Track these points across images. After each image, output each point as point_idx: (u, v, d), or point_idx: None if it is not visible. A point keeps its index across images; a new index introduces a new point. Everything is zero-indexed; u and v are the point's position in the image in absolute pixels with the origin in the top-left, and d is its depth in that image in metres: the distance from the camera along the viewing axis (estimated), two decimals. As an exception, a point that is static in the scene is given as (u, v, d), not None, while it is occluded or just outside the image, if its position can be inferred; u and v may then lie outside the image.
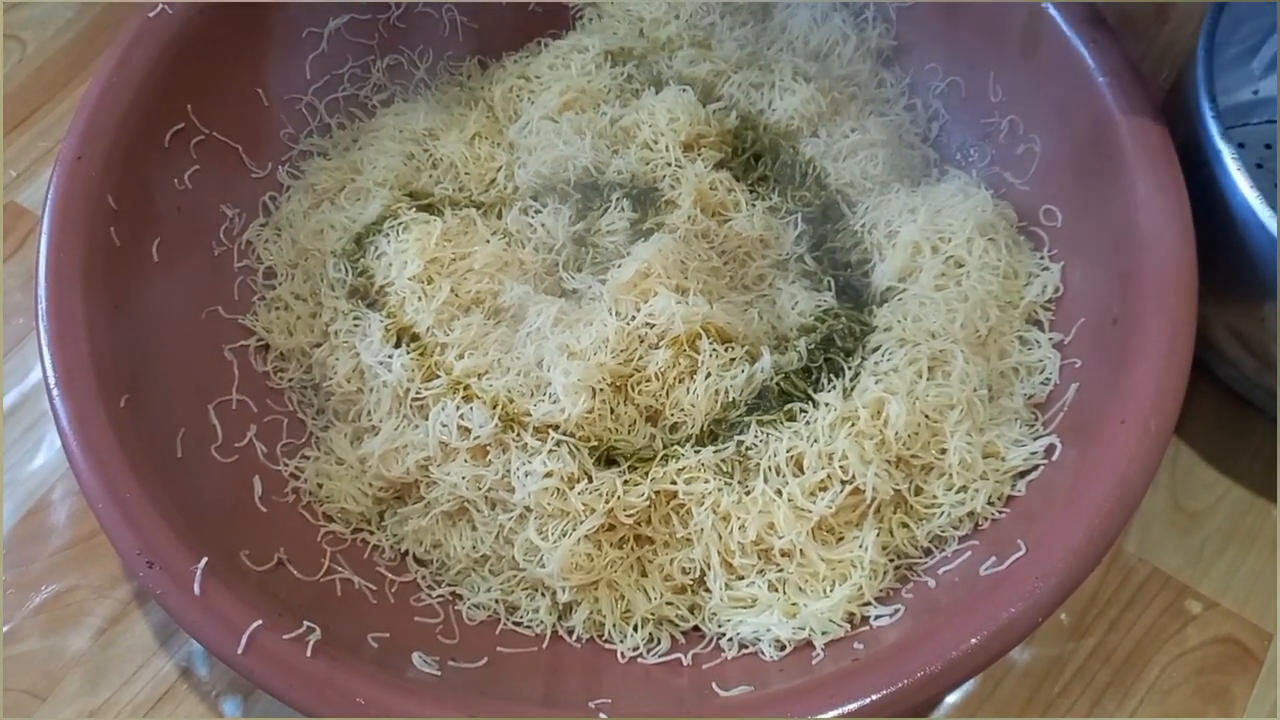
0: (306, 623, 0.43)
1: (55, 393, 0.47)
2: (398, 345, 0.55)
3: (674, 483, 0.51)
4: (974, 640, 0.42)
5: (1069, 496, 0.46)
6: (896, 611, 0.48)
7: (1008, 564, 0.45)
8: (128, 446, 0.47)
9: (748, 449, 0.52)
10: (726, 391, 0.53)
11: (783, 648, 0.48)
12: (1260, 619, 0.56)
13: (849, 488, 0.50)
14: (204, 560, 0.44)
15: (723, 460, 0.51)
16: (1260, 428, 0.61)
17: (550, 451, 0.51)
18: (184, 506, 0.47)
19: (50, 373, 0.48)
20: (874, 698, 0.41)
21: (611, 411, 0.53)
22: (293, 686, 0.41)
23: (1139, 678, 0.55)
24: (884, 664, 0.42)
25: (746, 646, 0.49)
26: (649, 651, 0.50)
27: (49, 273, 0.50)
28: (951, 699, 0.55)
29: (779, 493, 0.50)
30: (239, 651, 0.42)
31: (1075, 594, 0.56)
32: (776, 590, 0.50)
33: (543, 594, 0.52)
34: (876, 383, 0.52)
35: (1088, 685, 0.55)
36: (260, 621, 0.42)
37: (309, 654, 0.42)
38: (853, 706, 0.41)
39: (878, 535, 0.50)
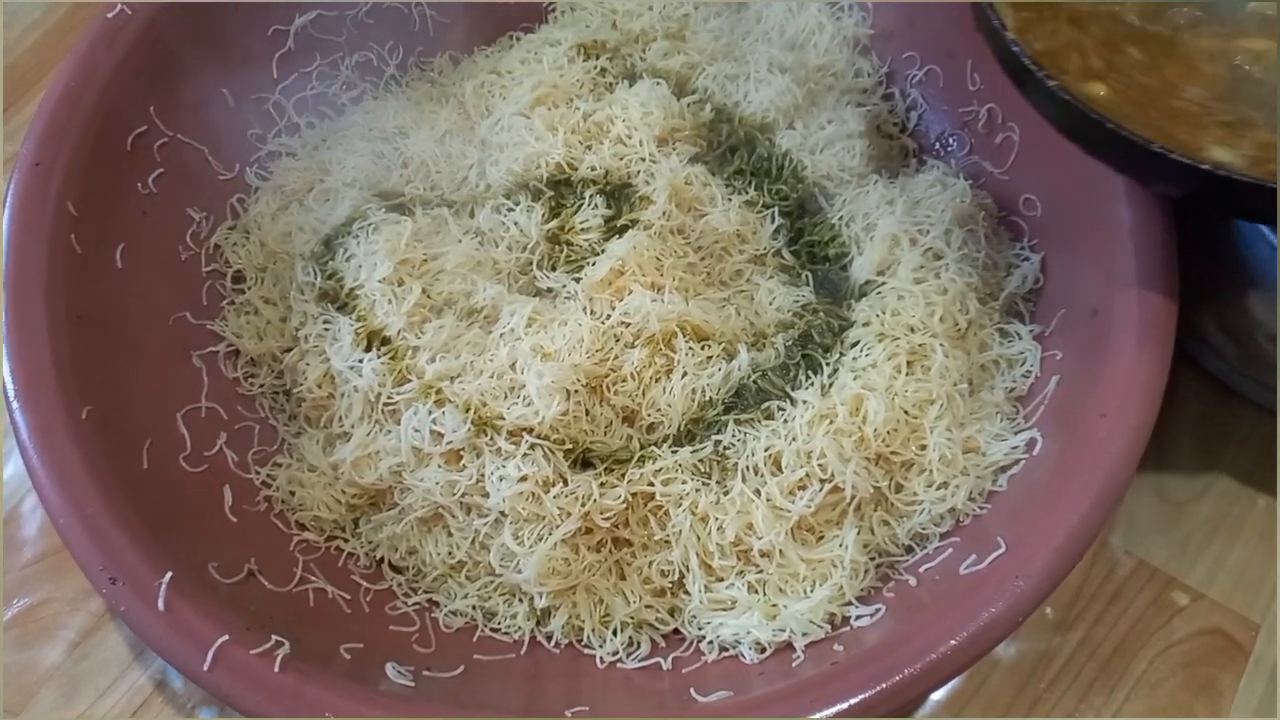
0: (275, 636, 0.43)
1: (15, 405, 0.46)
2: (368, 349, 0.54)
3: (651, 484, 0.50)
4: (953, 642, 0.41)
5: (1050, 492, 0.45)
6: (878, 611, 0.47)
7: (988, 562, 0.44)
8: (90, 459, 0.46)
9: (725, 449, 0.51)
10: (703, 390, 0.52)
11: (763, 650, 0.48)
12: (1248, 610, 0.56)
13: (828, 486, 0.49)
14: (168, 575, 0.43)
15: (700, 460, 0.51)
16: (1246, 417, 0.60)
17: (524, 455, 0.50)
18: (150, 519, 0.46)
19: (10, 384, 0.47)
20: (852, 702, 0.40)
21: (587, 413, 0.52)
22: (260, 702, 0.41)
23: (1126, 671, 0.54)
24: (863, 667, 0.42)
25: (727, 649, 0.49)
26: (629, 656, 0.49)
27: (8, 282, 0.49)
28: (937, 696, 0.54)
29: (757, 492, 0.49)
30: (205, 668, 0.41)
31: (1061, 587, 0.55)
32: (756, 592, 0.49)
33: (520, 599, 0.51)
34: (855, 379, 0.51)
35: (1074, 679, 0.54)
36: (226, 636, 0.42)
37: (277, 668, 0.41)
38: (830, 711, 0.40)
39: (858, 534, 0.49)
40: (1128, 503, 0.58)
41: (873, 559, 0.50)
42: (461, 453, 0.51)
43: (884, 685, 0.41)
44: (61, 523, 0.44)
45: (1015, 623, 0.42)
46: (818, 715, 0.40)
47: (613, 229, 0.58)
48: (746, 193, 0.60)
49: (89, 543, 0.44)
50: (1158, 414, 0.46)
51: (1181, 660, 0.55)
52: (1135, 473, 0.58)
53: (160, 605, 0.42)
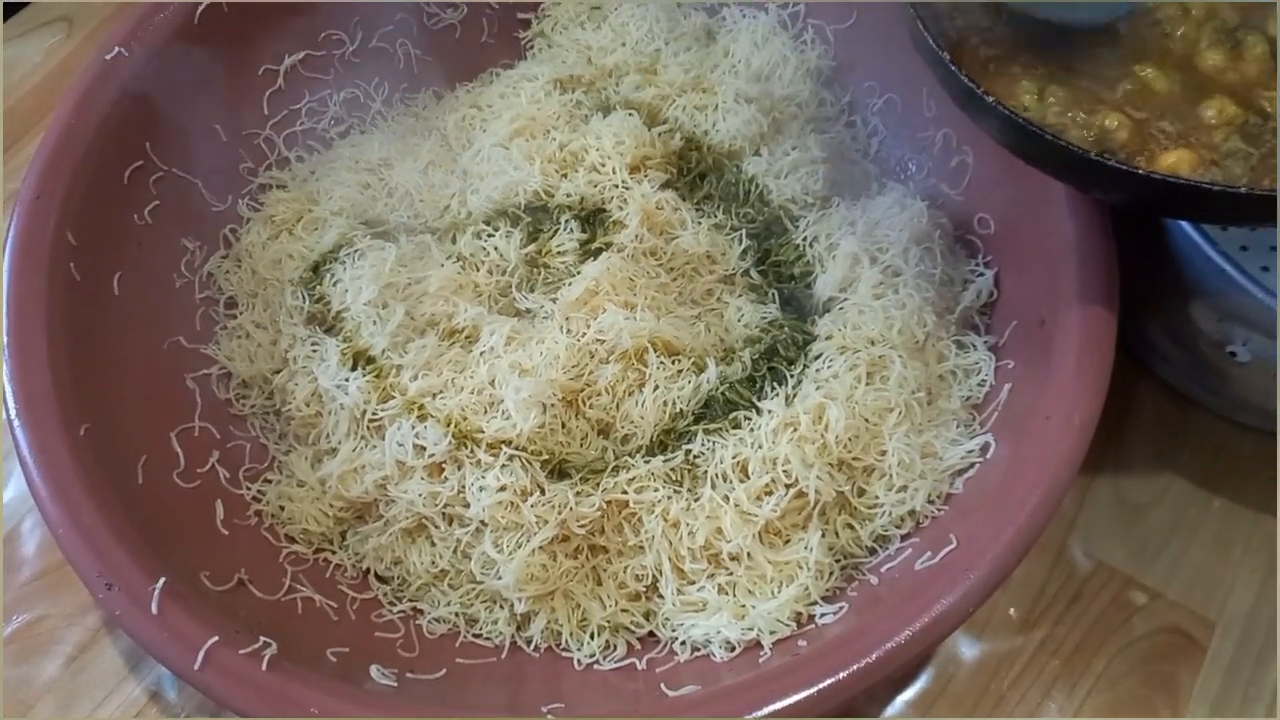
0: (263, 638, 0.45)
1: (16, 423, 0.49)
2: (354, 368, 0.56)
3: (625, 492, 0.52)
4: (908, 632, 0.43)
5: (999, 491, 0.48)
6: (841, 609, 0.49)
7: (940, 557, 0.46)
8: (88, 473, 0.48)
9: (695, 457, 0.53)
10: (674, 402, 0.55)
11: (732, 649, 0.49)
12: (1204, 608, 0.58)
13: (793, 491, 0.51)
14: (161, 581, 0.45)
15: (672, 469, 0.53)
16: (1199, 422, 0.63)
17: (503, 466, 0.52)
18: (144, 530, 0.48)
19: (11, 403, 0.49)
20: (812, 691, 0.42)
21: (563, 425, 0.55)
22: (248, 699, 0.43)
23: (1087, 668, 0.56)
24: (823, 658, 0.44)
25: (698, 649, 0.51)
26: (605, 658, 0.51)
27: (10, 308, 0.52)
28: (905, 695, 0.56)
29: (726, 498, 0.52)
30: (195, 667, 0.43)
31: (1023, 588, 0.58)
32: (726, 593, 0.51)
33: (501, 606, 0.53)
34: (817, 389, 0.53)
35: (1038, 677, 0.56)
36: (216, 638, 0.44)
37: (264, 668, 0.43)
38: (792, 700, 0.42)
39: (823, 537, 0.52)
40: (1087, 506, 0.61)
41: (837, 560, 0.52)
42: (443, 465, 0.53)
43: (843, 674, 0.43)
44: (60, 533, 0.46)
45: (966, 613, 0.44)
46: (780, 704, 0.42)
47: (588, 252, 0.61)
48: (715, 216, 0.63)
49: (86, 551, 0.46)
50: (1100, 414, 0.48)
51: (1141, 657, 0.57)
52: (1093, 476, 0.61)
53: (154, 609, 0.44)
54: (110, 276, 0.57)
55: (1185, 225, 0.53)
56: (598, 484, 0.53)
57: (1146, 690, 0.56)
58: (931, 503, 0.52)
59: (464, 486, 0.53)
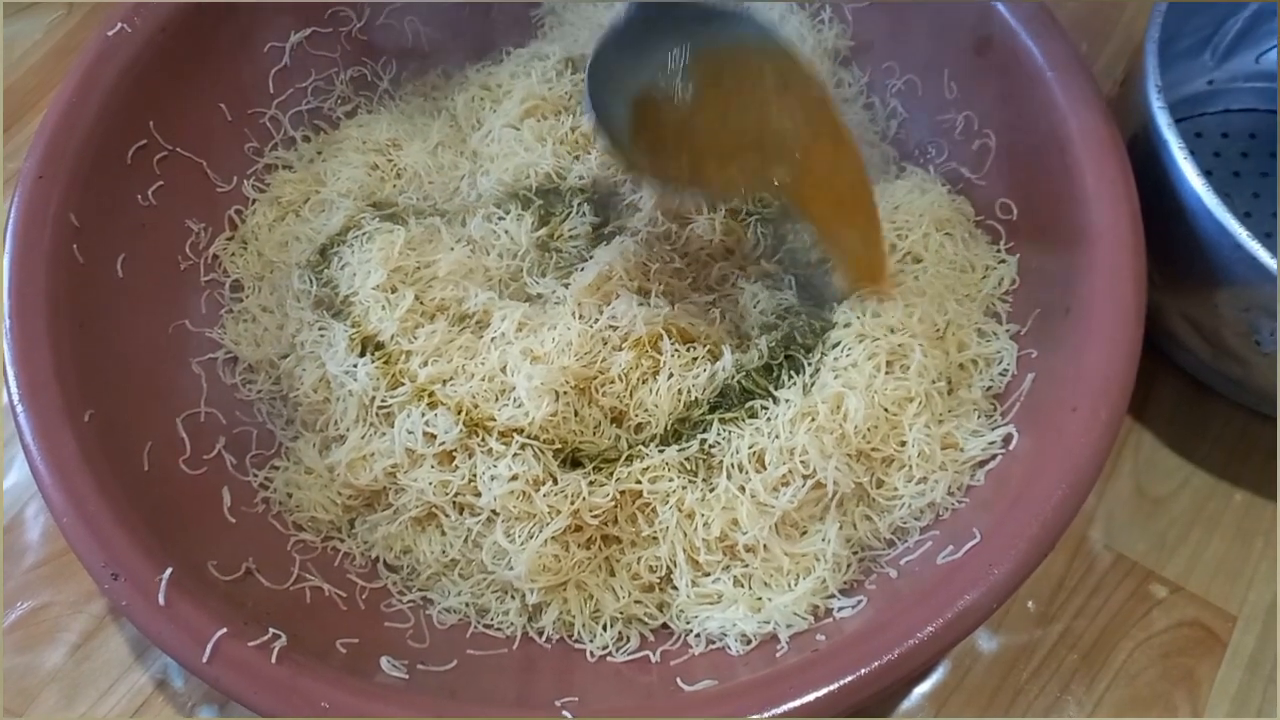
0: (272, 630, 0.44)
1: (19, 409, 0.47)
2: (363, 354, 0.55)
3: (639, 482, 0.51)
4: (930, 628, 0.42)
5: (1023, 484, 0.47)
6: (859, 603, 0.48)
7: (963, 552, 0.45)
8: (92, 460, 0.47)
9: (710, 447, 0.52)
10: (689, 391, 0.54)
11: (748, 642, 0.49)
12: (1224, 602, 0.57)
13: (810, 482, 0.50)
14: (169, 571, 0.44)
15: (686, 459, 0.52)
16: (1220, 413, 0.62)
17: (515, 455, 0.51)
18: (150, 518, 0.47)
19: (14, 389, 0.48)
20: (833, 687, 0.41)
21: (576, 414, 0.54)
22: (257, 692, 0.42)
23: (1106, 662, 0.56)
24: (843, 654, 0.43)
25: (713, 642, 0.50)
26: (618, 650, 0.51)
27: (12, 291, 0.50)
28: (921, 688, 0.55)
29: (742, 489, 0.50)
30: (204, 660, 0.42)
31: (1042, 580, 0.58)
32: (742, 585, 0.50)
33: (512, 596, 0.52)
34: (836, 378, 0.52)
35: (1056, 670, 0.55)
36: (225, 630, 0.43)
37: (274, 660, 0.43)
38: (811, 697, 0.41)
39: (840, 528, 0.51)
40: (1107, 498, 0.60)
41: (855, 553, 0.51)
42: (454, 453, 0.52)
43: (864, 670, 0.42)
44: (64, 521, 0.45)
45: (990, 609, 0.43)
46: (798, 701, 0.42)
47: (600, 236, 0.59)
48: (730, 201, 0.61)
49: (91, 540, 0.45)
50: (1127, 407, 0.47)
51: (1160, 651, 0.56)
52: (1113, 468, 0.60)
53: (160, 600, 0.43)
54: (114, 259, 0.55)
55: (1214, 213, 0.52)
56: (611, 473, 0.52)
57: (1166, 685, 0.55)
58: (952, 495, 0.51)
59: (475, 475, 0.52)
